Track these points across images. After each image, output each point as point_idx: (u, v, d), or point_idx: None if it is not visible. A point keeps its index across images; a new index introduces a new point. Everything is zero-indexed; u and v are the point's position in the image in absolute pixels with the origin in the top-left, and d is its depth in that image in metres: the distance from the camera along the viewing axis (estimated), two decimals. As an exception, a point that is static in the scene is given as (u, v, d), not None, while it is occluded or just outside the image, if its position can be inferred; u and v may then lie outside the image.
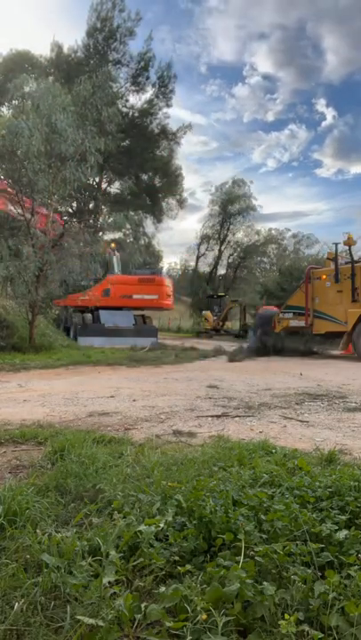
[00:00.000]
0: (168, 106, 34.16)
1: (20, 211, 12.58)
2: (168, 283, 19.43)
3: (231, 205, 39.03)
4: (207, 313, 29.40)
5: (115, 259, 18.30)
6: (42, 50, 36.36)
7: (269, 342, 13.98)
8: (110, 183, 35.22)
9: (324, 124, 68.81)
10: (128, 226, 17.20)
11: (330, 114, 68.10)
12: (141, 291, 18.10)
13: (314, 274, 14.04)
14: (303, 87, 64.36)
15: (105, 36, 31.76)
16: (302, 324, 13.95)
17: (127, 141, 32.66)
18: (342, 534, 1.81)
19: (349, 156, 71.39)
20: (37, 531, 1.92)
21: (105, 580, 1.57)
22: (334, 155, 67.38)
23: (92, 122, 13.50)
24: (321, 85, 63.35)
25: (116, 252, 18.43)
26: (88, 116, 13.56)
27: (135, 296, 18.02)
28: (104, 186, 34.56)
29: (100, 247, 14.44)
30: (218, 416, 4.82)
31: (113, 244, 17.86)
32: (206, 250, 40.58)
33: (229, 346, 17.35)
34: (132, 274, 18.43)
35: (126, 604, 1.44)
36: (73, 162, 12.47)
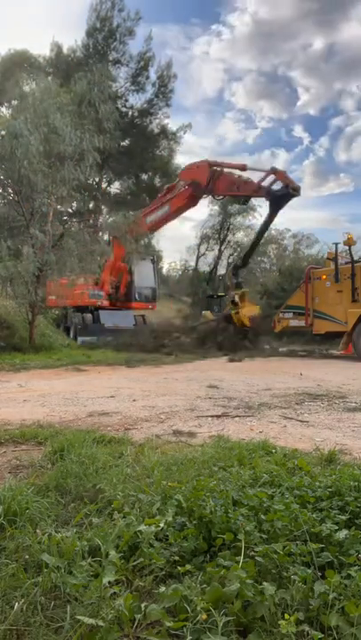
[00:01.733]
0: (168, 105, 34.18)
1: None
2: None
3: (231, 205, 39.02)
4: (207, 313, 29.39)
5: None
6: (41, 50, 36.35)
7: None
8: (110, 183, 35.23)
9: (300, 147, 74.23)
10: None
11: (306, 139, 73.93)
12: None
13: (314, 274, 14.04)
14: (281, 117, 71.43)
15: (104, 36, 31.74)
16: (302, 323, 13.96)
17: (127, 141, 32.66)
18: (342, 534, 1.81)
19: (327, 177, 77.01)
20: (37, 531, 1.92)
21: (105, 580, 1.57)
22: (313, 174, 73.29)
23: (89, 120, 13.49)
24: (297, 116, 69.88)
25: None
26: (85, 114, 13.55)
27: None
28: (104, 186, 34.56)
29: (101, 247, 14.44)
30: (218, 416, 4.82)
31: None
32: (206, 250, 40.59)
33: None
34: None
35: (126, 604, 1.44)
36: (72, 161, 12.47)
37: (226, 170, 15.30)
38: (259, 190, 14.42)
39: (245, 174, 14.98)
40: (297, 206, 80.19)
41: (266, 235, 40.19)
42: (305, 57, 65.88)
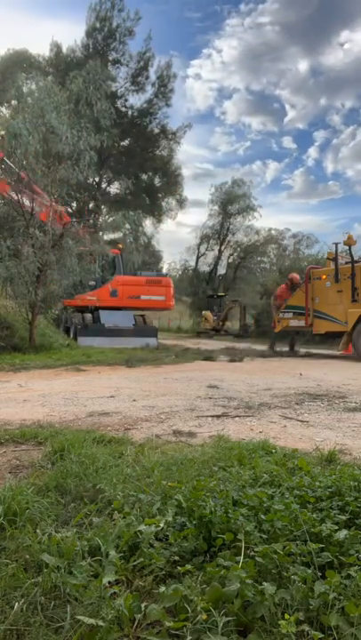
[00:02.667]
0: (168, 105, 34.17)
1: (27, 203, 12.53)
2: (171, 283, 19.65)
3: (231, 205, 39.04)
4: (207, 313, 29.40)
5: (119, 259, 18.38)
6: (40, 49, 36.50)
7: None
8: (110, 183, 35.21)
9: (290, 158, 79.38)
10: (128, 226, 17.15)
11: (296, 151, 79.24)
12: (149, 292, 18.22)
13: (314, 274, 14.04)
14: (270, 130, 76.58)
15: (104, 36, 31.74)
16: (302, 323, 13.96)
17: (127, 141, 32.68)
18: (342, 534, 1.81)
19: (317, 185, 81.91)
20: (37, 531, 1.92)
21: (105, 580, 1.57)
22: (303, 182, 79.10)
23: (86, 119, 13.48)
24: (285, 130, 74.92)
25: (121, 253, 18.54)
26: (82, 113, 13.54)
27: (143, 297, 18.14)
28: (103, 186, 34.55)
29: (100, 248, 14.43)
30: (218, 416, 4.82)
31: (120, 245, 17.90)
32: (206, 250, 40.60)
33: (229, 346, 17.36)
34: (139, 275, 18.63)
35: (126, 604, 1.44)
36: (70, 161, 12.47)
37: None
38: None
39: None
40: (291, 211, 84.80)
41: (266, 234, 40.33)
42: (291, 77, 71.25)
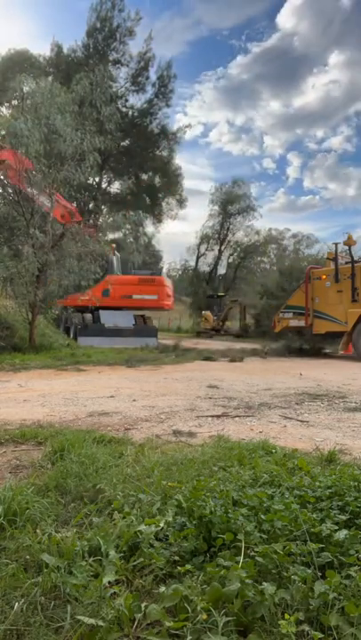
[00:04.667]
0: (168, 106, 34.14)
1: (44, 199, 12.51)
2: (168, 283, 19.40)
3: (231, 205, 39.03)
4: (207, 313, 29.41)
5: (115, 259, 18.29)
6: (41, 49, 36.46)
7: None
8: (110, 183, 35.20)
9: (272, 177, 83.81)
10: (128, 226, 17.14)
11: (276, 170, 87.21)
12: (141, 291, 18.09)
13: (314, 274, 14.04)
14: (252, 153, 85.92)
15: (105, 36, 31.71)
16: (302, 323, 13.96)
17: (127, 141, 32.64)
18: (342, 534, 1.81)
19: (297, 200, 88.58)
20: (37, 531, 1.92)
21: (105, 580, 1.57)
22: (286, 198, 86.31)
23: (91, 121, 13.49)
24: (265, 155, 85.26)
25: (116, 253, 18.44)
26: (87, 115, 13.55)
27: (135, 296, 18.00)
28: (104, 186, 34.53)
29: (101, 247, 14.42)
30: (218, 416, 4.82)
31: (112, 244, 17.84)
32: (206, 250, 40.59)
33: (229, 346, 17.35)
34: (132, 274, 18.41)
35: (126, 604, 1.44)
36: (73, 162, 12.47)
37: None
38: None
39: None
40: (278, 222, 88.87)
41: (266, 235, 40.31)
42: (267, 111, 79.65)
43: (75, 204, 26.51)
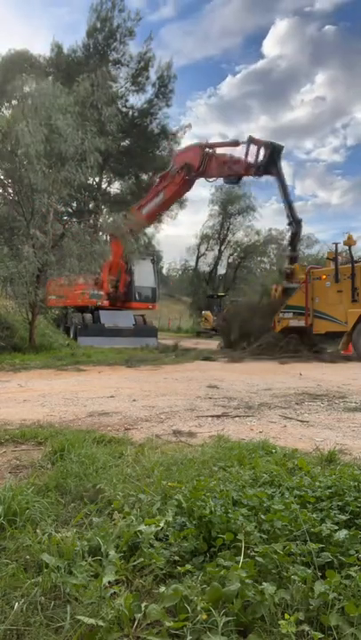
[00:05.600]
0: (168, 106, 34.17)
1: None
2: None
3: (231, 205, 39.03)
4: (207, 313, 29.41)
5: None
6: (41, 50, 36.52)
7: None
8: (110, 183, 35.22)
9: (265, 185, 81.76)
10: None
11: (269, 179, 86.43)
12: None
13: (314, 274, 14.04)
14: None
15: (105, 36, 31.73)
16: (302, 323, 13.95)
17: (127, 141, 32.65)
18: (342, 534, 1.81)
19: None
20: (37, 531, 1.92)
21: (105, 580, 1.57)
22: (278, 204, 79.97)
23: (92, 122, 13.50)
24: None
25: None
26: (88, 115, 13.56)
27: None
28: (104, 186, 34.56)
29: (101, 247, 14.43)
30: (218, 416, 4.82)
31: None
32: (206, 250, 40.59)
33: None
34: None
35: (126, 604, 1.44)
36: (73, 162, 12.47)
37: (218, 151, 15.25)
38: (248, 168, 14.49)
39: (239, 150, 15.05)
40: (271, 226, 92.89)
41: (266, 234, 40.30)
42: (258, 125, 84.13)
43: (75, 204, 26.55)
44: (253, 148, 14.49)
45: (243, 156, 14.78)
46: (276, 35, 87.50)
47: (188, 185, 16.36)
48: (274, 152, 14.19)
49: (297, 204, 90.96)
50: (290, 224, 15.03)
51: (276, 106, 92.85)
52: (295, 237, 15.26)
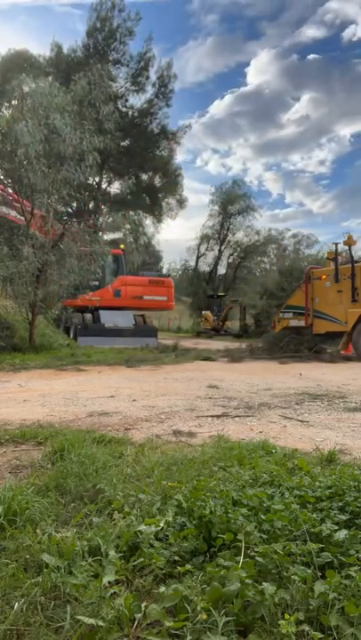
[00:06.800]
0: (168, 106, 34.13)
1: (16, 213, 12.58)
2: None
3: (231, 205, 39.02)
4: (207, 313, 29.41)
5: (122, 259, 18.46)
6: (41, 49, 36.56)
7: None
8: (110, 183, 35.19)
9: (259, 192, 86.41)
10: (128, 226, 17.17)
11: (261, 187, 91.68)
12: (152, 292, 18.40)
13: (314, 274, 14.04)
14: (236, 173, 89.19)
15: (105, 36, 31.71)
16: (302, 323, 13.95)
17: (127, 141, 32.63)
18: (342, 534, 1.81)
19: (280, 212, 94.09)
20: (37, 531, 1.92)
21: (105, 580, 1.57)
22: (270, 210, 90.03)
23: (90, 121, 13.48)
24: (249, 171, 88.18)
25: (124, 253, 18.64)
26: (86, 114, 13.55)
27: (146, 297, 18.28)
28: (104, 186, 34.53)
29: (100, 247, 14.42)
30: (218, 416, 4.82)
31: (122, 245, 17.97)
32: (206, 250, 40.57)
33: (229, 346, 17.35)
34: (141, 275, 18.87)
35: (126, 604, 1.44)
36: (72, 162, 12.46)
37: None
38: None
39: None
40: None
41: (266, 234, 40.32)
42: (248, 143, 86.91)
43: (75, 204, 26.53)
44: None
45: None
46: (258, 64, 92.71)
47: None
48: None
49: (287, 212, 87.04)
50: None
51: (265, 123, 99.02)
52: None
